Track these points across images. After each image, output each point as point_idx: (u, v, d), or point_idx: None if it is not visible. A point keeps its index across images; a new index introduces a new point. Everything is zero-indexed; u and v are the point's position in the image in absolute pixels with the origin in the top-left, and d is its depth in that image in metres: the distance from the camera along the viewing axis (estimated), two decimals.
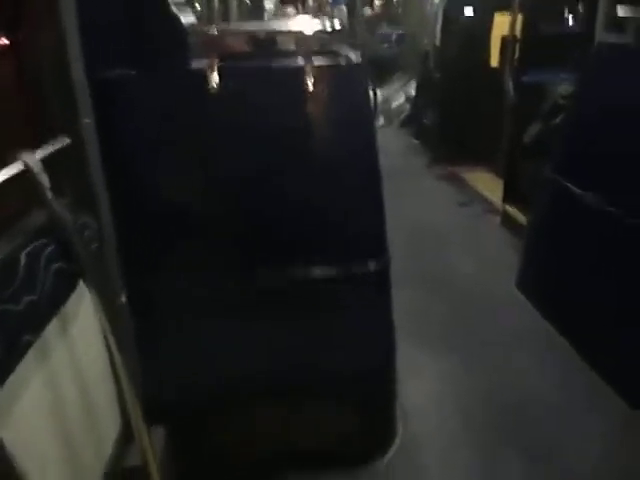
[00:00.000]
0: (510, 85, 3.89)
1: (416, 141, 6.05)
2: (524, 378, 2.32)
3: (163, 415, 1.67)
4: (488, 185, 4.53)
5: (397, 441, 1.97)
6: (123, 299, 1.54)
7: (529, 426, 2.06)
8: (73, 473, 1.30)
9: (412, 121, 6.32)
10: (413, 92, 6.45)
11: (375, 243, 1.78)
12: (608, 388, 2.15)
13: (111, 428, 1.57)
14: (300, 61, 1.68)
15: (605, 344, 2.26)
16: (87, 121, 1.33)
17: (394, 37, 7.49)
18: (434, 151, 5.36)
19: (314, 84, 1.61)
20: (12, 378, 0.95)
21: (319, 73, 1.61)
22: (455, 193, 4.59)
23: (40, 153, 1.12)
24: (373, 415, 1.93)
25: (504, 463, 1.89)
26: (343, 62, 1.73)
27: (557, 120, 3.17)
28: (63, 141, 1.25)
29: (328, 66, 1.68)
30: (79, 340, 1.34)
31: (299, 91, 1.61)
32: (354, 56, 1.77)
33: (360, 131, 1.72)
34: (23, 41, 1.21)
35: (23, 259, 1.02)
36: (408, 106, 6.58)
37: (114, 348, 1.28)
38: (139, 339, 1.60)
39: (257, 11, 5.37)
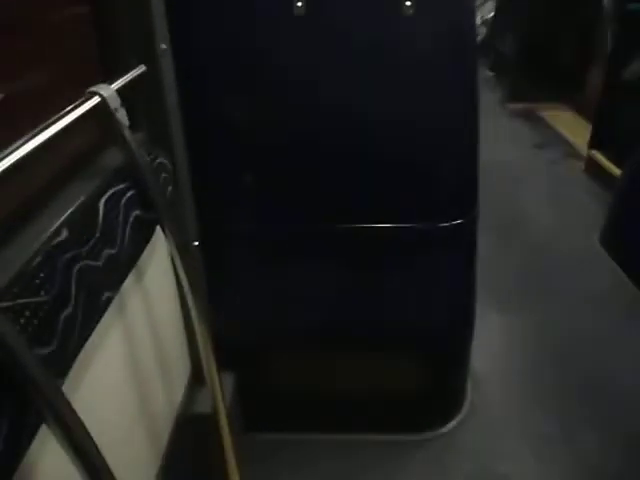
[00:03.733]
0: (610, 8, 3.40)
1: (490, 73, 5.56)
2: (601, 343, 2.16)
3: (234, 360, 1.63)
4: (571, 126, 4.14)
5: (467, 402, 1.89)
6: (196, 242, 1.45)
7: (605, 395, 1.92)
8: (146, 420, 1.28)
9: (487, 49, 5.78)
10: (490, 14, 5.85)
11: (466, 195, 1.60)
12: None
13: (182, 373, 1.54)
14: None
15: None
16: (163, 47, 1.18)
17: None
18: (510, 85, 4.91)
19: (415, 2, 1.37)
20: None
21: None
22: (533, 133, 4.22)
23: (116, 84, 0.99)
24: (447, 372, 1.84)
25: (579, 431, 1.78)
26: None
27: None
28: (139, 69, 1.10)
29: None
30: (153, 287, 1.27)
31: (397, 10, 1.37)
32: None
33: (462, 59, 1.48)
34: None
35: (102, 208, 0.92)
36: (484, 30, 5.99)
37: (188, 292, 1.20)
38: (212, 283, 1.53)
39: None
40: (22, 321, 0.67)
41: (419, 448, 1.74)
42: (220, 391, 1.39)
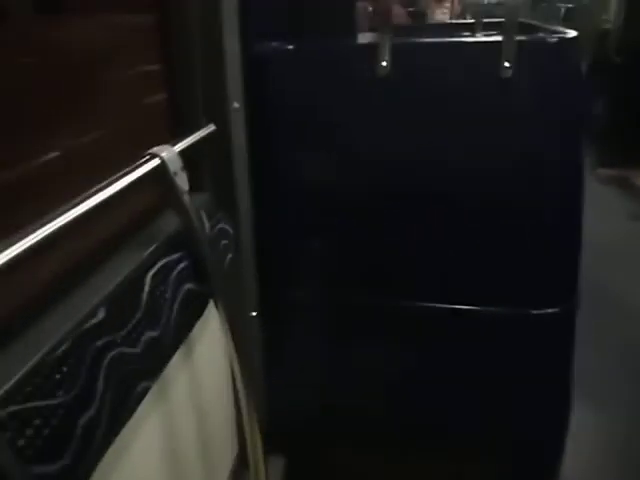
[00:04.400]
0: None
1: None
2: None
3: (283, 444, 1.46)
4: None
5: None
6: (254, 313, 1.32)
7: None
8: None
9: None
10: None
11: (565, 284, 1.38)
12: None
13: (228, 456, 1.38)
14: (493, 35, 1.30)
15: None
16: (236, 105, 1.10)
17: (562, 12, 6.54)
18: (603, 150, 4.58)
19: (515, 64, 1.22)
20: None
21: (520, 50, 1.22)
22: (627, 202, 3.86)
23: (180, 146, 0.90)
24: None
25: None
26: (549, 37, 1.31)
27: None
28: (207, 129, 1.02)
29: (532, 41, 1.28)
30: (201, 365, 1.14)
31: (493, 73, 1.23)
32: (564, 30, 1.34)
33: (569, 131, 1.30)
34: (169, 14, 0.99)
35: (148, 282, 0.81)
36: None
37: (237, 369, 1.06)
38: (266, 359, 1.39)
39: None
40: (29, 432, 0.55)
41: None
42: (264, 476, 1.22)
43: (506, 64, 1.22)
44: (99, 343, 0.68)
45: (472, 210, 1.31)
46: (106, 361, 0.68)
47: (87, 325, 0.67)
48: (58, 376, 0.61)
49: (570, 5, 6.57)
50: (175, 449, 1.06)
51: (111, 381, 0.69)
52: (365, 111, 1.26)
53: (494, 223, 1.33)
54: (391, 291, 1.40)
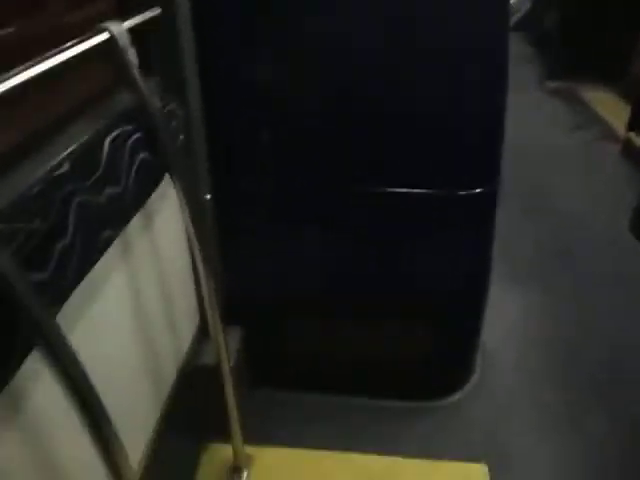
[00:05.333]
0: None
1: (532, 48, 5.34)
2: (619, 329, 2.09)
3: (240, 316, 1.64)
4: (611, 108, 3.96)
5: (476, 375, 1.87)
6: (208, 196, 1.45)
7: (619, 379, 1.87)
8: (149, 367, 1.30)
9: (530, 23, 5.54)
10: None
11: (488, 164, 1.55)
12: None
13: (190, 325, 1.56)
14: None
15: None
16: None
17: None
18: (551, 62, 4.71)
19: None
20: (93, 274, 0.89)
21: None
22: (570, 113, 4.06)
23: (128, 23, 0.97)
24: (458, 341, 1.82)
25: (587, 413, 1.75)
26: None
27: None
28: (154, 11, 1.09)
29: None
30: (161, 236, 1.28)
31: None
32: None
33: (492, 26, 1.41)
34: None
35: (107, 146, 0.91)
36: (528, 4, 5.73)
37: (196, 245, 1.20)
38: (223, 237, 1.53)
39: None
40: (14, 245, 0.67)
41: (423, 415, 1.74)
42: (224, 344, 1.40)
43: None
44: (67, 189, 0.80)
45: (402, 104, 1.43)
46: (74, 204, 0.80)
47: (54, 174, 0.79)
48: (33, 209, 0.73)
49: None
50: (141, 307, 1.22)
51: (80, 223, 0.82)
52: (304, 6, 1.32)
53: (423, 115, 1.46)
54: (332, 179, 1.53)
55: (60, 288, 0.76)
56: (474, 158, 1.53)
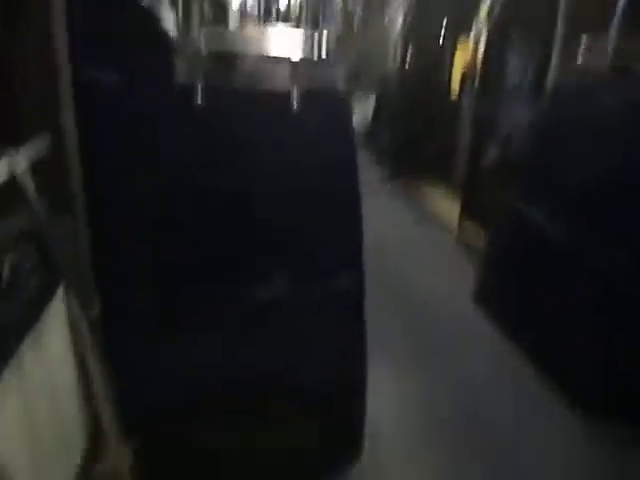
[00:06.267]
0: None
1: (373, 157, 6.18)
2: (480, 389, 2.42)
3: (137, 426, 1.61)
4: (444, 202, 4.69)
5: (366, 449, 1.99)
6: (97, 309, 1.48)
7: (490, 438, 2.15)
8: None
9: (371, 138, 6.47)
10: (371, 110, 6.60)
11: (351, 259, 1.81)
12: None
13: (80, 438, 1.49)
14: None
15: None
16: (68, 120, 1.28)
17: None
18: (396, 164, 5.54)
19: (299, 110, 1.63)
20: None
21: (305, 99, 1.63)
22: (414, 209, 4.74)
23: (24, 152, 1.07)
24: (340, 429, 1.94)
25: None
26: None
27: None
28: (44, 139, 1.20)
29: (313, 92, 1.69)
30: (53, 351, 1.27)
31: (283, 116, 1.63)
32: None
33: (342, 157, 1.74)
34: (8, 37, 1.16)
35: (6, 270, 0.96)
36: (368, 122, 6.68)
37: (90, 358, 1.23)
38: (114, 349, 1.54)
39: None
40: None
41: None
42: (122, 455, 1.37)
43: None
44: None
45: (277, 211, 1.67)
46: None
47: None
48: None
49: None
50: (33, 423, 1.17)
51: None
52: (177, 139, 1.53)
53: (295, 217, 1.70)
54: (208, 279, 1.66)
55: None
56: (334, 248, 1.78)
